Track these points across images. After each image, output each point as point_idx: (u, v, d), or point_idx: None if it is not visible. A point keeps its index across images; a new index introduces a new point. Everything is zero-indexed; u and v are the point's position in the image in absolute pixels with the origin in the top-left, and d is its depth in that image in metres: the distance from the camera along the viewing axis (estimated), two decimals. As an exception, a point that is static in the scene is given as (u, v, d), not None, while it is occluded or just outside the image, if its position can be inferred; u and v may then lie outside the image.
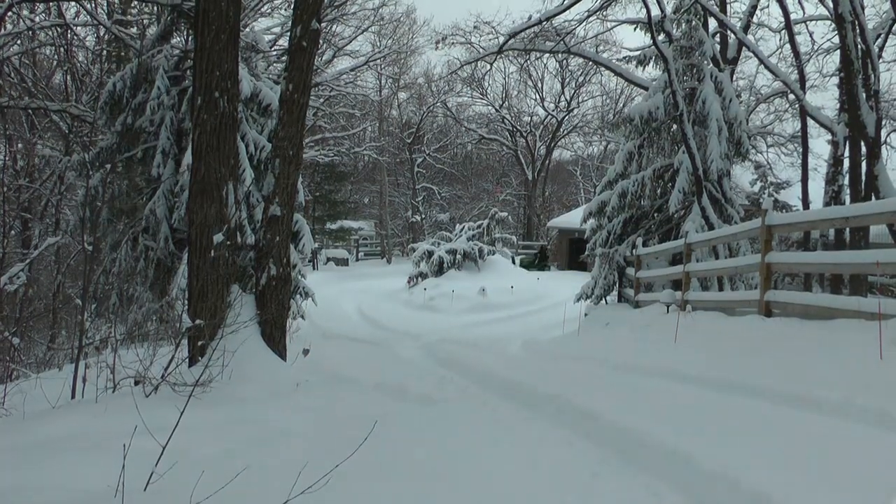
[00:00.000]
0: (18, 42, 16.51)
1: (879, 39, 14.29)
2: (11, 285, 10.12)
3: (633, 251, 12.13)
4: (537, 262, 31.84)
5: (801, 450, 3.62)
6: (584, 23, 13.80)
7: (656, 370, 6.62)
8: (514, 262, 29.31)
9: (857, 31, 11.41)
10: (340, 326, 16.14)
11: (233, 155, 6.03)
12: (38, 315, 13.35)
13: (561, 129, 42.46)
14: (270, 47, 18.69)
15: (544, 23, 12.88)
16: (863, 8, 11.69)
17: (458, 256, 23.76)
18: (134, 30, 15.56)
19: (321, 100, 29.30)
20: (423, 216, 42.07)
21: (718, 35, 15.39)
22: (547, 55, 28.11)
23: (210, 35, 5.77)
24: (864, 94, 11.18)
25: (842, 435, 3.84)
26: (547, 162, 43.63)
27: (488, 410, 5.59)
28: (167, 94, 10.80)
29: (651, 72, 14.84)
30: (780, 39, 17.93)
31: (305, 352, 7.16)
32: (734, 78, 16.68)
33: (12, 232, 16.94)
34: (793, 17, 15.34)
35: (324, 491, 2.83)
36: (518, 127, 43.06)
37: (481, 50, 16.52)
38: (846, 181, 12.39)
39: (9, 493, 2.86)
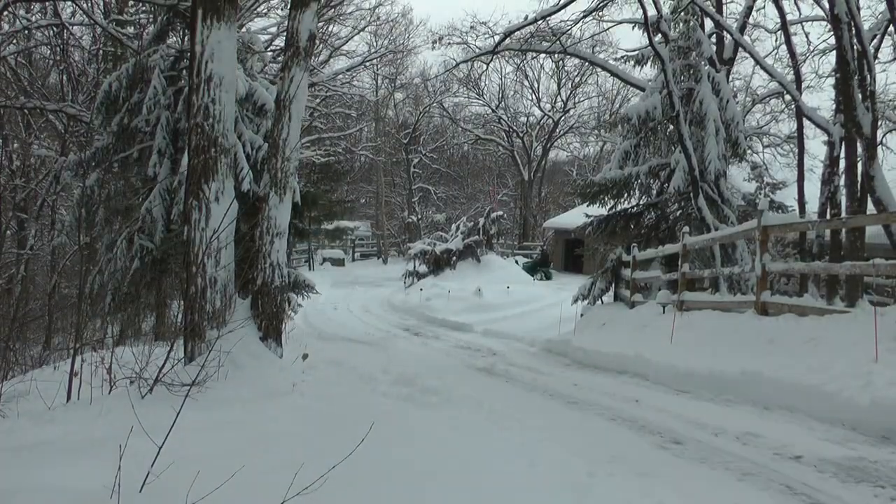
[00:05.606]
0: (14, 42, 16.45)
1: (875, 40, 14.28)
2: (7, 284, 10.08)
3: (630, 252, 12.13)
4: (539, 267, 27.80)
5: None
6: (581, 23, 13.73)
7: (653, 370, 6.64)
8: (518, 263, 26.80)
9: (853, 31, 11.40)
10: (337, 327, 16.14)
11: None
12: (34, 315, 13.31)
13: (557, 130, 42.42)
14: (266, 47, 18.66)
15: (539, 22, 12.85)
16: (859, 9, 11.69)
17: (454, 256, 23.71)
18: (130, 29, 15.47)
19: (317, 100, 29.28)
20: (420, 216, 42.01)
21: (714, 35, 15.37)
22: (543, 56, 28.08)
23: (206, 35, 5.75)
24: (860, 95, 11.18)
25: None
26: (543, 162, 43.57)
27: (485, 409, 5.60)
28: (163, 94, 10.78)
29: (648, 72, 14.85)
30: (777, 40, 17.88)
31: (304, 356, 7.14)
32: (730, 78, 16.66)
33: (8, 232, 16.89)
34: (789, 17, 15.34)
35: (320, 491, 2.83)
36: (514, 127, 43.00)
37: (477, 50, 16.47)
38: (842, 182, 12.38)
39: (5, 493, 2.85)
